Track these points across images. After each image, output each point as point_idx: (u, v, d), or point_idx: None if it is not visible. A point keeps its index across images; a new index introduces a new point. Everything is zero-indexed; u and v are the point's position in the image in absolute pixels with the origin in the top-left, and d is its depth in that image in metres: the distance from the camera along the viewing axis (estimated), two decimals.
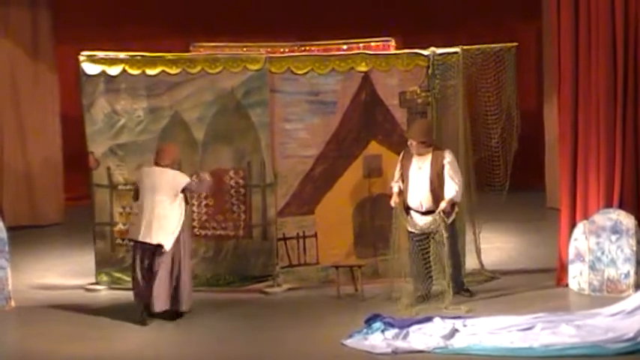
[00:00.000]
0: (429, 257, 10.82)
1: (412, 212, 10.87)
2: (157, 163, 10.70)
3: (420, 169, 10.85)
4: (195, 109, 11.67)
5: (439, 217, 10.65)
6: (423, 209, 10.81)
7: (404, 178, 10.94)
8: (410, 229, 10.84)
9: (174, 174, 10.65)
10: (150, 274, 10.47)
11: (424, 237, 10.79)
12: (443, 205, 10.67)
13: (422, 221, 10.79)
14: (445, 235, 10.66)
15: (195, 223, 11.69)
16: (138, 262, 10.55)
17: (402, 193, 10.91)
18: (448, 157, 10.88)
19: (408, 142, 10.93)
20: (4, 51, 15.42)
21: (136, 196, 10.75)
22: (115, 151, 11.71)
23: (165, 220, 10.49)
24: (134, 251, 10.65)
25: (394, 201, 10.88)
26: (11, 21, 15.53)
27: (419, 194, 10.83)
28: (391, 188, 11.00)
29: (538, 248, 12.91)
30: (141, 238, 10.51)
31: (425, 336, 9.63)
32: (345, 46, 14.15)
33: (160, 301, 10.47)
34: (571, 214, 11.28)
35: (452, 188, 10.77)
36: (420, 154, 10.86)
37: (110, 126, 11.71)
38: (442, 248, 10.72)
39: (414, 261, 10.83)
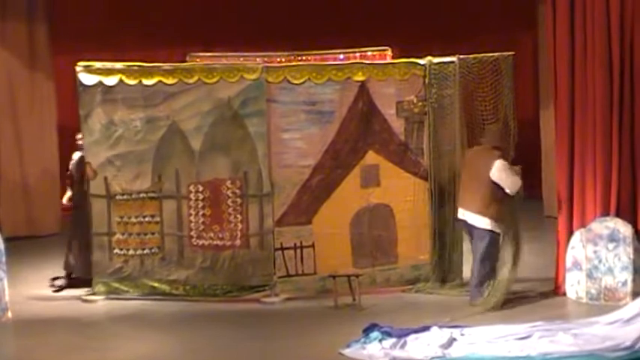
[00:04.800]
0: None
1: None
2: None
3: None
4: (193, 119, 11.67)
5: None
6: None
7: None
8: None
9: None
10: None
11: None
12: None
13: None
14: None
15: (192, 233, 11.71)
16: None
17: None
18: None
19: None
20: (1, 62, 15.41)
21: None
22: (112, 162, 11.69)
23: None
24: None
25: None
26: (8, 32, 15.54)
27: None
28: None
29: (535, 257, 12.87)
30: None
31: (423, 345, 9.61)
32: (341, 56, 14.20)
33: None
34: (568, 222, 11.30)
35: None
36: None
37: (107, 136, 11.70)
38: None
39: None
